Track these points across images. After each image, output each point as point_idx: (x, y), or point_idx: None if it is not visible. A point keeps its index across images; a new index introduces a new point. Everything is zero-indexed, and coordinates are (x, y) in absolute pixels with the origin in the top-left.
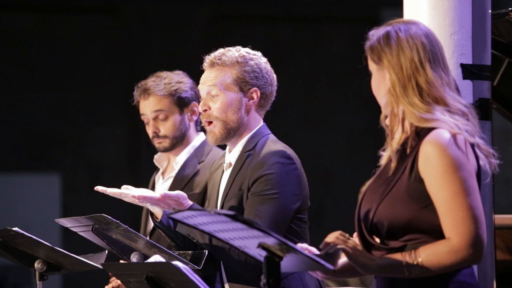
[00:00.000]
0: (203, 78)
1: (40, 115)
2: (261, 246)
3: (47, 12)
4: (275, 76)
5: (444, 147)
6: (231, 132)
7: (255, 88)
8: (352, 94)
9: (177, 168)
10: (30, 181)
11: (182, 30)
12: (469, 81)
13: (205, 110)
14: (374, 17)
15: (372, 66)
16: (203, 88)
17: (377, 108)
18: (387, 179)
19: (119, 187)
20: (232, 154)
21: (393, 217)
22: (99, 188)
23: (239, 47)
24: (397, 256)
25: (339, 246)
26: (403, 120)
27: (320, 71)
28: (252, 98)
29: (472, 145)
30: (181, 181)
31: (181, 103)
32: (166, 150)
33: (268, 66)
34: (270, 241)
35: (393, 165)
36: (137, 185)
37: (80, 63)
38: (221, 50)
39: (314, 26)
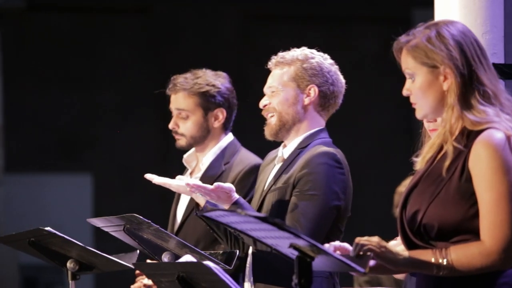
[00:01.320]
0: (268, 79)
1: (72, 115)
2: (293, 246)
3: (79, 13)
4: (341, 78)
5: (496, 148)
6: (285, 125)
7: (312, 85)
8: (383, 94)
9: (203, 168)
10: (62, 182)
11: (213, 30)
12: (501, 80)
13: (265, 105)
14: (405, 17)
15: (416, 68)
16: (266, 86)
17: (408, 109)
18: (436, 180)
19: (151, 187)
20: (286, 149)
21: (444, 219)
22: (148, 176)
23: (305, 47)
24: (427, 253)
25: (365, 248)
26: (460, 119)
27: (350, 71)
28: (309, 95)
29: None
30: (207, 181)
31: (206, 106)
32: (182, 147)
33: (332, 67)
34: (301, 242)
35: (447, 163)
36: None
37: (112, 63)
38: (287, 51)
39: (345, 26)
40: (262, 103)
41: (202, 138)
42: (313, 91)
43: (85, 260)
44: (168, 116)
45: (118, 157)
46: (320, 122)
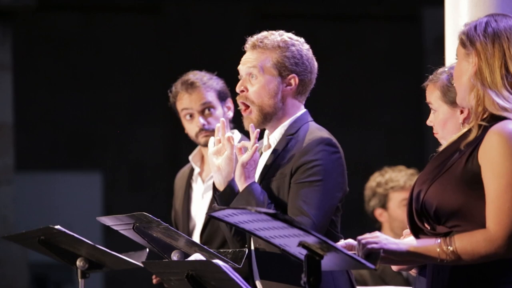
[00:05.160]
0: (244, 58)
1: (82, 114)
2: (302, 244)
3: (89, 12)
4: (316, 64)
5: (509, 137)
6: (267, 117)
7: (294, 75)
8: (392, 92)
9: None
10: (72, 180)
11: (222, 30)
12: None
13: (242, 91)
14: (415, 15)
15: (460, 51)
16: (243, 68)
17: (417, 106)
18: (443, 161)
19: (160, 186)
20: (272, 136)
21: (443, 199)
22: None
23: (282, 32)
24: (431, 241)
25: (363, 241)
26: (482, 100)
27: (360, 69)
28: (290, 85)
29: None
30: None
31: (222, 97)
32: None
33: (309, 54)
34: (310, 239)
35: (465, 141)
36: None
37: (121, 63)
38: (264, 33)
39: (355, 25)
40: (239, 87)
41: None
42: (294, 81)
43: (94, 258)
44: (178, 114)
45: (128, 156)
46: (298, 106)
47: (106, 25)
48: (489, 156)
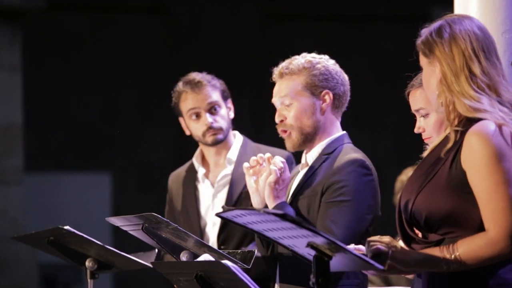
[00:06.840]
0: (275, 90)
1: (91, 115)
2: (310, 245)
3: (98, 13)
4: (345, 76)
5: (488, 137)
6: (308, 137)
7: (327, 91)
8: (402, 92)
9: (230, 165)
10: (81, 181)
11: (231, 30)
12: None
13: (281, 121)
14: (425, 16)
15: (423, 60)
16: (276, 100)
17: None
18: (427, 170)
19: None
20: (309, 155)
21: (431, 208)
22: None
23: (305, 54)
24: (435, 250)
25: (373, 245)
26: (452, 104)
27: (370, 70)
28: (325, 101)
29: None
30: (240, 177)
31: (225, 97)
32: (219, 142)
33: (337, 67)
34: (319, 240)
35: (445, 149)
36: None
37: (130, 63)
38: (288, 60)
39: (364, 25)
40: (277, 118)
41: (229, 131)
42: (328, 96)
43: (103, 259)
44: (180, 116)
45: (137, 157)
46: (337, 124)
47: (115, 25)
48: (471, 160)
